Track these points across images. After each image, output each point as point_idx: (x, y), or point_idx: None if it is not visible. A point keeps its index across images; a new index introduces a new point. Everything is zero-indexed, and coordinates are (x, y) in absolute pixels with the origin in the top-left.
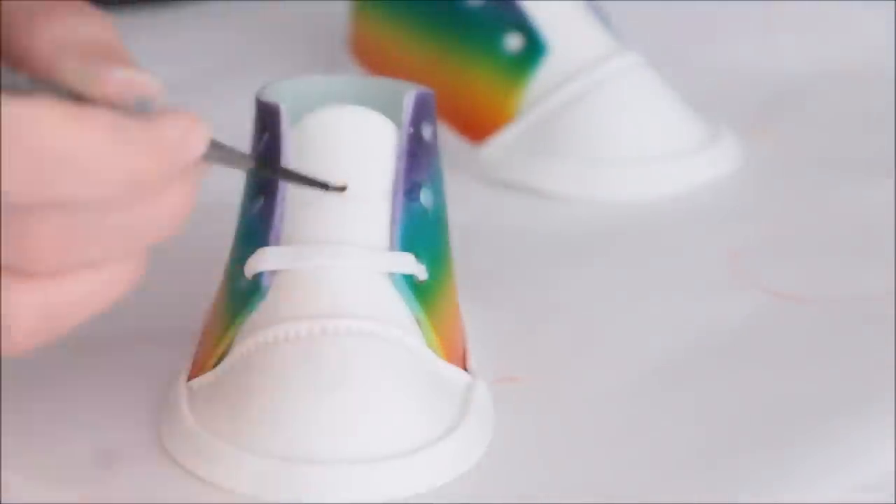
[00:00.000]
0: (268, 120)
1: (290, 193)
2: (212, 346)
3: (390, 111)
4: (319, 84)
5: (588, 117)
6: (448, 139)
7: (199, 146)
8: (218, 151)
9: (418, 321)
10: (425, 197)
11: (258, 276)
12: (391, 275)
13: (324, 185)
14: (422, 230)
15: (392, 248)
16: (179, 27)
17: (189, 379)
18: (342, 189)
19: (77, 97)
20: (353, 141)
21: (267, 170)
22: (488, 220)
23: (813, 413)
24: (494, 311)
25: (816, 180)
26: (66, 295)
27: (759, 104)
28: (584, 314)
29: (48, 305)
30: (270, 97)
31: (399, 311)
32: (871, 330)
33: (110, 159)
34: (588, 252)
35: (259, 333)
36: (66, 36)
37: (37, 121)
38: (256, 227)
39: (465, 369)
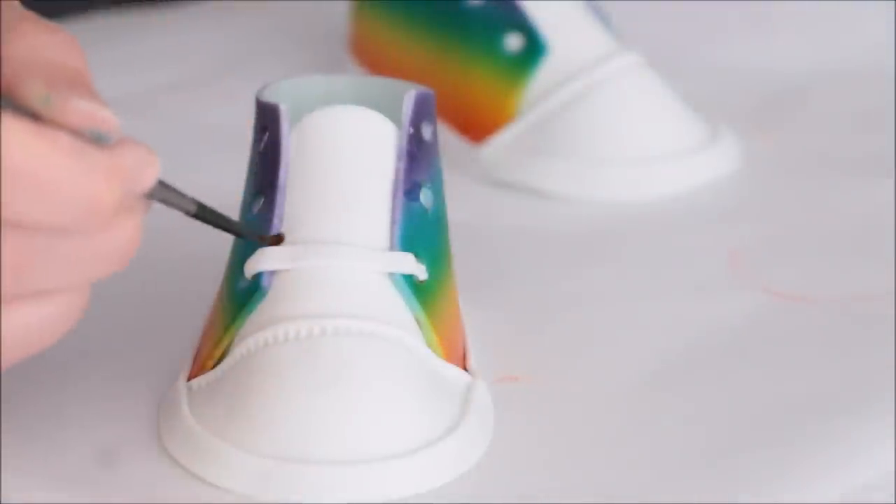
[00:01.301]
0: (268, 120)
1: (290, 193)
2: (212, 346)
3: (390, 111)
4: (319, 84)
5: (588, 117)
6: (448, 139)
7: (152, 178)
8: (162, 190)
9: (418, 321)
10: (425, 197)
11: (258, 276)
12: (391, 275)
13: (260, 238)
14: (422, 230)
15: (392, 248)
16: (179, 27)
17: (189, 379)
18: (278, 240)
19: (34, 118)
20: (353, 141)
21: (206, 215)
22: (488, 220)
23: (813, 413)
24: (494, 311)
25: (816, 180)
26: (13, 325)
27: (759, 104)
28: (585, 314)
29: None
30: (270, 97)
31: (399, 311)
32: (871, 330)
33: (71, 181)
34: (588, 252)
35: (259, 333)
36: (32, 55)
37: (2, 134)
38: (256, 227)
39: (465, 369)
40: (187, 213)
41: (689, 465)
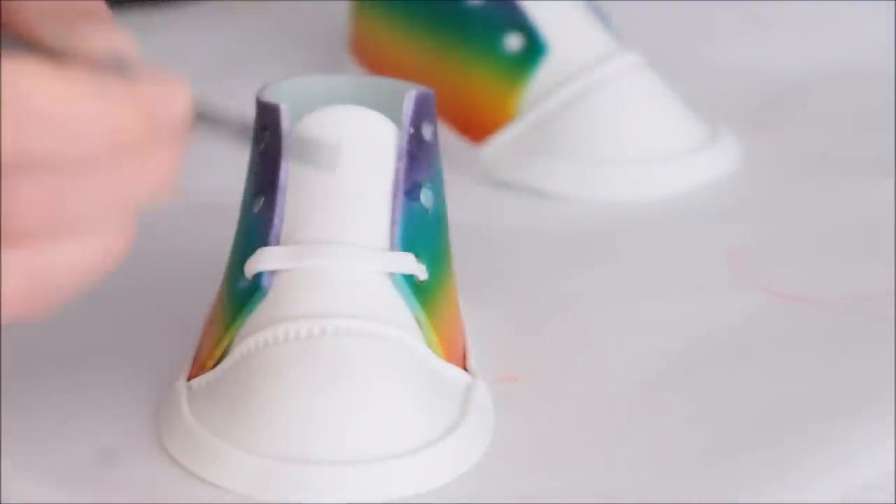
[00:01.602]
0: (268, 120)
1: (290, 193)
2: (212, 346)
3: (390, 111)
4: (319, 84)
5: (588, 117)
6: (448, 139)
7: (182, 104)
8: (201, 117)
9: (418, 321)
10: (425, 197)
11: (258, 276)
12: (391, 275)
13: (317, 162)
14: (422, 230)
15: (392, 248)
16: (179, 27)
17: (189, 379)
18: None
19: (56, 59)
20: (353, 141)
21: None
22: (488, 220)
23: (813, 413)
24: (494, 311)
25: (816, 180)
26: (53, 261)
27: (759, 104)
28: (584, 314)
29: (35, 271)
30: (270, 97)
31: (399, 311)
32: (871, 330)
33: (93, 115)
34: (588, 252)
35: (259, 333)
36: (48, 3)
37: (21, 78)
38: (256, 227)
39: (465, 369)
40: (237, 135)
41: (689, 465)
